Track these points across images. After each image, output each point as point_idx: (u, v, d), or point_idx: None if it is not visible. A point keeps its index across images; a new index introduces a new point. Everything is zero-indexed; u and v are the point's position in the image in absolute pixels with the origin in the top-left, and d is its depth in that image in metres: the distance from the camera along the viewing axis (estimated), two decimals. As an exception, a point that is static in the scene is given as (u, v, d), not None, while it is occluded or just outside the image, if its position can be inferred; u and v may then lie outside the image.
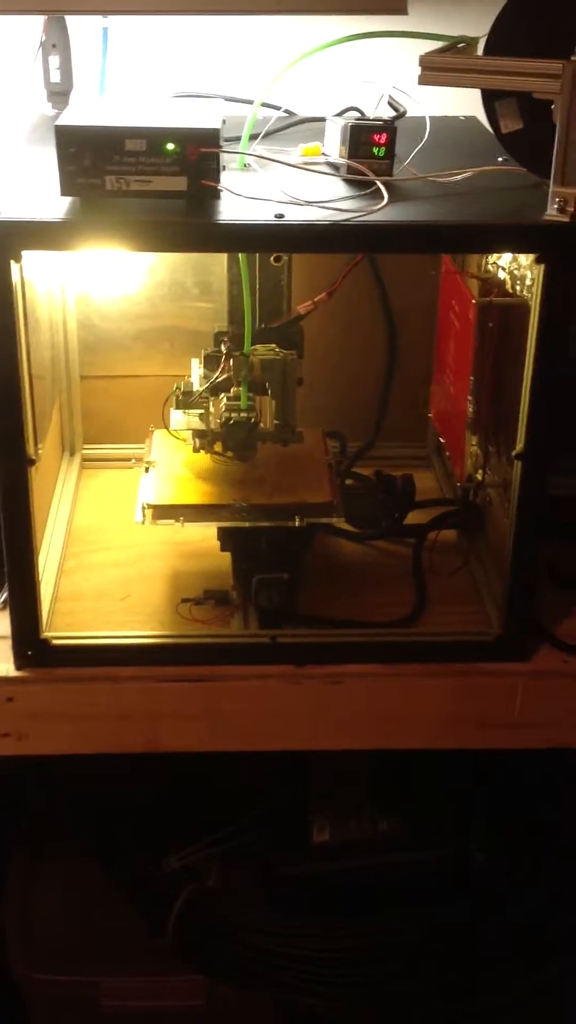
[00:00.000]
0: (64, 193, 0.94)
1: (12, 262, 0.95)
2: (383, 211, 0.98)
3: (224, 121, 0.98)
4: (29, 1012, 1.35)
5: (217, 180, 0.95)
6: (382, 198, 0.99)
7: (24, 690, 1.10)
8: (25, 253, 0.96)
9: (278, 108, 1.20)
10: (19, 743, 1.12)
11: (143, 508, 1.16)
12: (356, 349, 1.41)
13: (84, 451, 1.44)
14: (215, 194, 0.96)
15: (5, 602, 1.15)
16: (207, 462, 1.23)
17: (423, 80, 0.98)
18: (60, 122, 0.93)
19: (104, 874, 1.35)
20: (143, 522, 1.15)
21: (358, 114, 1.17)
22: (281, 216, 0.96)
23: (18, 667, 1.10)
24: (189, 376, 1.24)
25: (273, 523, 1.15)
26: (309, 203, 0.98)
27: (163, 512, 1.16)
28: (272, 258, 1.16)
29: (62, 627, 1.14)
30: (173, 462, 1.23)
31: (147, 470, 1.22)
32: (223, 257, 1.21)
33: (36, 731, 1.11)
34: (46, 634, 1.11)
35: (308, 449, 1.25)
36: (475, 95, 1.05)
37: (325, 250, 1.02)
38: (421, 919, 1.30)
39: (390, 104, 1.14)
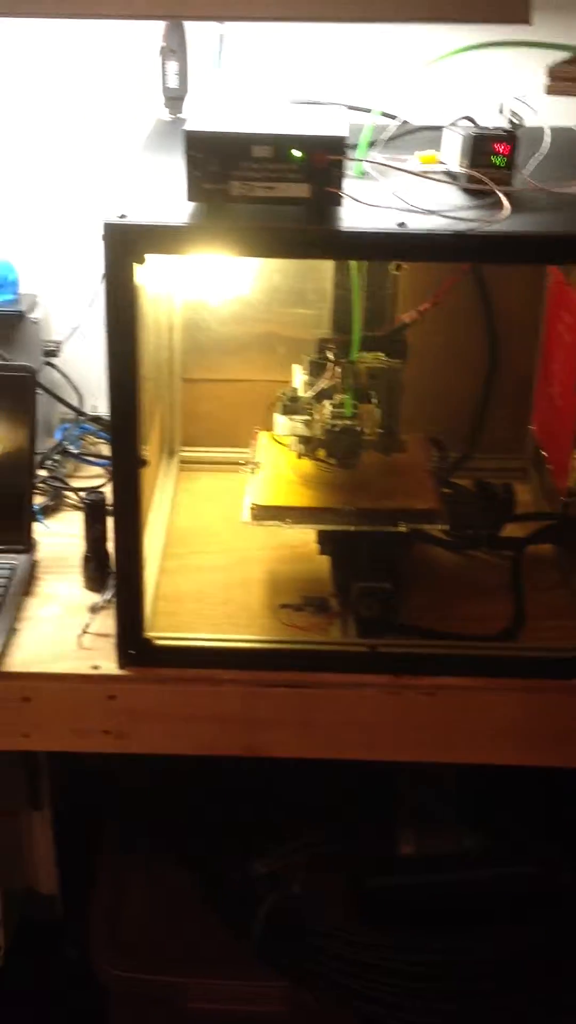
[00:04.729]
0: (191, 198, 0.95)
1: (136, 265, 0.96)
2: (506, 221, 0.97)
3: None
4: (111, 1010, 1.36)
5: (341, 188, 0.95)
6: (501, 208, 0.98)
7: (126, 688, 1.11)
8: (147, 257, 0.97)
9: (393, 117, 1.20)
10: (118, 740, 1.12)
11: (251, 508, 1.16)
12: (456, 358, 1.40)
13: (181, 453, 1.45)
14: (335, 201, 0.96)
15: (109, 600, 1.16)
16: (310, 466, 1.23)
17: (551, 90, 0.97)
18: (189, 127, 0.94)
19: (191, 877, 1.36)
20: (250, 521, 1.15)
21: (472, 124, 1.16)
22: (403, 225, 0.96)
23: (121, 666, 1.11)
24: (290, 381, 1.25)
25: (378, 528, 1.15)
26: (431, 212, 0.98)
27: (270, 513, 1.16)
28: (394, 266, 1.16)
29: (163, 628, 1.15)
30: (278, 465, 1.23)
31: (253, 471, 1.22)
32: (327, 264, 1.21)
33: (135, 730, 1.12)
34: (148, 634, 1.12)
35: (412, 456, 1.25)
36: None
37: (447, 259, 1.01)
38: (506, 936, 1.29)
39: (507, 116, 1.13)
